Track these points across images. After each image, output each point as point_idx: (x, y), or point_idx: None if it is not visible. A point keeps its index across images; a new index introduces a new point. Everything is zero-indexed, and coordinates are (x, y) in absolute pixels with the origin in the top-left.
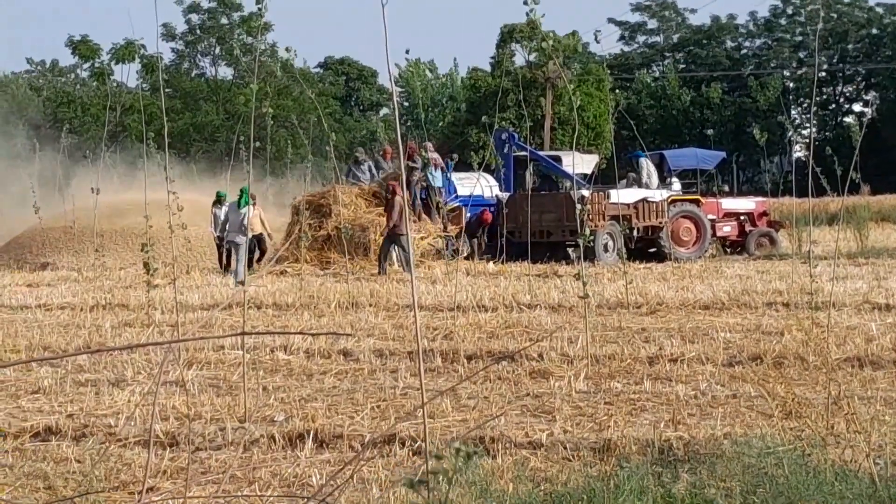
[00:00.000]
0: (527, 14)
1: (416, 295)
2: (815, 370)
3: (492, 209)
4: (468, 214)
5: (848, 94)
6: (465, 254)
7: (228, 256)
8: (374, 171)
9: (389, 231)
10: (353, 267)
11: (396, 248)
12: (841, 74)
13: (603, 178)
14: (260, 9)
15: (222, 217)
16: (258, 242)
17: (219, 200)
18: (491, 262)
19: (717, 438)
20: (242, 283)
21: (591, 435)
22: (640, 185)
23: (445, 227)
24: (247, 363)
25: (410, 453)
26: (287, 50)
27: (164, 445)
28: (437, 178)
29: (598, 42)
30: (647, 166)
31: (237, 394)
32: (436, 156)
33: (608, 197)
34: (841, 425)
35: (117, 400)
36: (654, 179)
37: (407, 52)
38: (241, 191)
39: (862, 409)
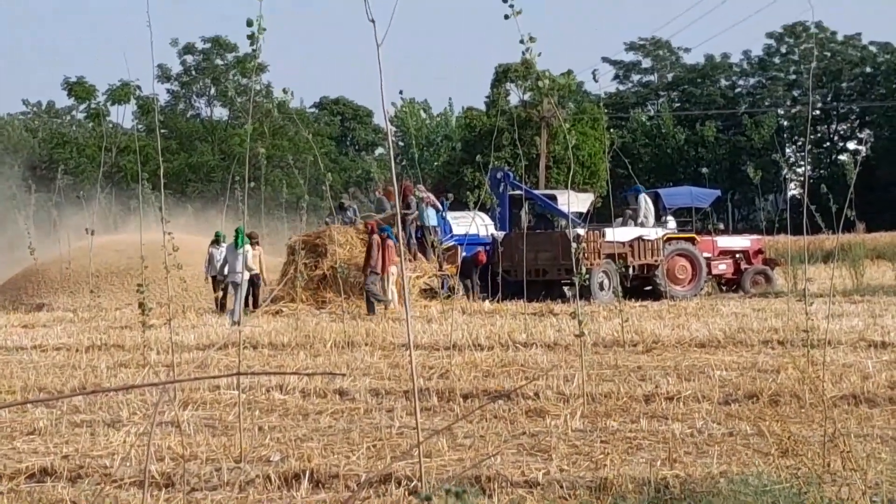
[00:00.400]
0: (522, 53)
1: (411, 334)
2: (811, 408)
3: (487, 248)
4: (463, 254)
5: (842, 133)
6: (460, 294)
7: (226, 295)
8: (357, 214)
9: (372, 269)
10: (348, 306)
11: (380, 284)
12: (835, 113)
13: (598, 217)
14: (254, 50)
15: (218, 257)
16: (252, 284)
17: (217, 241)
18: (487, 301)
19: (714, 477)
20: (238, 323)
21: (588, 473)
22: (636, 221)
23: (441, 266)
24: (242, 403)
25: (406, 493)
26: (284, 91)
27: (159, 486)
28: (431, 217)
29: (595, 81)
30: (646, 203)
31: (233, 434)
32: (428, 195)
33: (604, 235)
34: (837, 463)
35: (113, 441)
36: (651, 217)
37: (401, 92)
38: (237, 231)
39: (858, 446)
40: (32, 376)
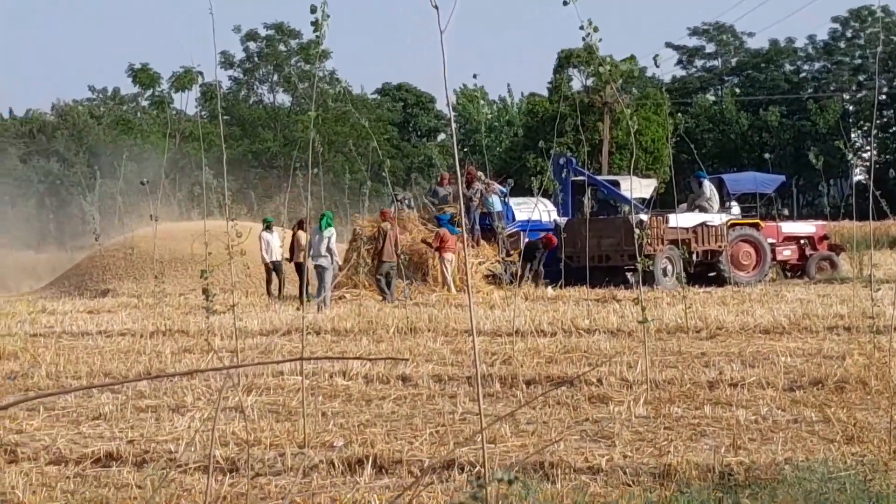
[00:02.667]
0: (583, 39)
1: (474, 320)
2: (877, 394)
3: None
4: (527, 239)
5: None
6: (528, 278)
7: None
8: (413, 203)
9: (382, 259)
10: (411, 292)
11: (388, 274)
12: None
13: (662, 203)
14: (318, 36)
15: (273, 242)
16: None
17: (268, 226)
18: (550, 287)
19: (778, 464)
20: (323, 306)
21: (651, 460)
22: (700, 208)
23: (508, 253)
24: (306, 389)
25: (469, 478)
26: (338, 80)
27: (223, 471)
28: (495, 204)
29: (657, 66)
30: (710, 188)
31: (296, 419)
32: (490, 182)
33: (667, 221)
34: None
35: (177, 426)
36: (716, 202)
37: (475, 76)
38: (323, 214)
39: None
40: (98, 362)
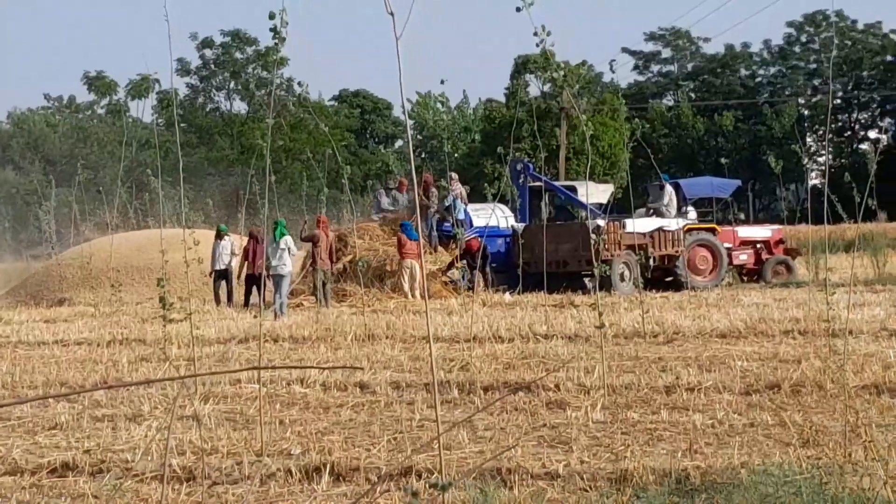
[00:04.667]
0: (537, 45)
1: (431, 326)
2: (833, 398)
3: (508, 239)
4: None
5: (863, 121)
6: (464, 281)
7: (249, 290)
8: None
9: (315, 266)
10: (369, 299)
11: (323, 281)
12: (856, 101)
13: (619, 208)
14: (276, 44)
15: (221, 251)
16: (226, 278)
17: (219, 235)
18: (507, 293)
19: (735, 468)
20: (277, 315)
21: (608, 465)
22: (656, 212)
23: (466, 258)
24: (263, 397)
25: (427, 486)
26: (299, 84)
27: (180, 480)
28: (461, 211)
29: (613, 72)
30: (671, 193)
31: (254, 427)
32: (460, 187)
33: (624, 226)
34: (859, 453)
35: (134, 435)
36: (673, 207)
37: (442, 81)
38: (276, 223)
39: (880, 436)
40: (54, 371)
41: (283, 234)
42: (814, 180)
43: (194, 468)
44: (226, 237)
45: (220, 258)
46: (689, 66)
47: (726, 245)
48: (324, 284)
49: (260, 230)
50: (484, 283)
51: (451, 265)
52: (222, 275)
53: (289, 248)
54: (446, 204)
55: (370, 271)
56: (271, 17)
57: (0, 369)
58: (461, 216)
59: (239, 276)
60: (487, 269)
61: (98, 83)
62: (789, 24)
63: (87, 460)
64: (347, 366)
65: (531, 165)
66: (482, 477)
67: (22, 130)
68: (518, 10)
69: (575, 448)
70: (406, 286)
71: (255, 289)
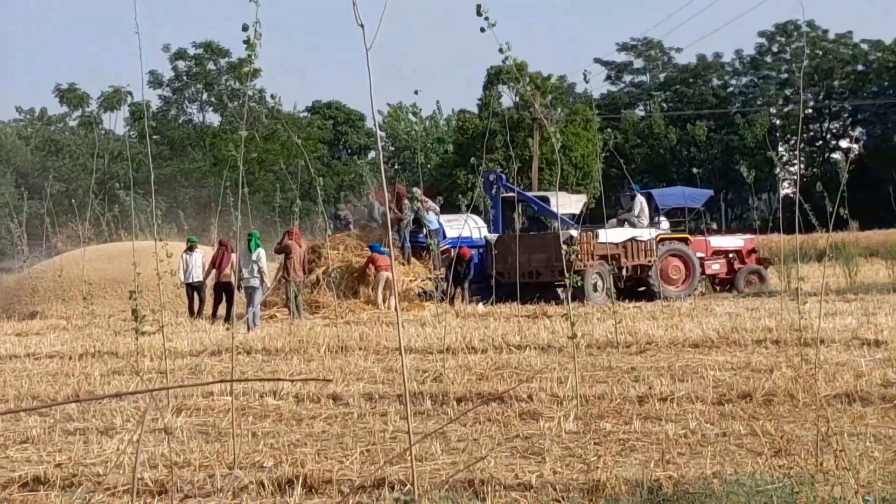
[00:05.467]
0: (502, 62)
1: (403, 338)
2: (805, 407)
3: (481, 249)
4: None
5: (834, 131)
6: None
7: (218, 302)
8: (352, 220)
9: (287, 277)
10: (342, 311)
11: (295, 293)
12: (827, 111)
13: (592, 218)
14: (250, 56)
15: (191, 264)
16: (198, 290)
17: (190, 247)
18: (480, 304)
19: (707, 477)
20: (249, 327)
21: (581, 476)
22: (628, 223)
23: (434, 269)
24: (235, 409)
25: (394, 500)
26: (272, 97)
27: (152, 493)
28: (432, 222)
29: (587, 82)
30: (642, 203)
31: (226, 440)
32: (427, 200)
33: (597, 236)
34: (830, 462)
35: (106, 448)
36: (645, 217)
37: (416, 92)
38: (250, 235)
39: (851, 445)
40: (26, 384)
41: (257, 246)
42: (786, 190)
43: (166, 481)
44: (197, 249)
45: (192, 271)
46: (662, 77)
47: (699, 255)
48: (296, 296)
49: (229, 240)
50: (461, 297)
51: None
52: (195, 287)
53: (259, 261)
54: (412, 216)
55: (343, 282)
56: (245, 28)
57: None
58: (433, 226)
59: (205, 283)
60: (466, 284)
61: (70, 95)
62: (761, 34)
63: (59, 474)
64: (317, 378)
65: (504, 176)
66: (455, 488)
67: None
68: (482, 30)
69: (548, 458)
70: (380, 298)
71: (224, 298)
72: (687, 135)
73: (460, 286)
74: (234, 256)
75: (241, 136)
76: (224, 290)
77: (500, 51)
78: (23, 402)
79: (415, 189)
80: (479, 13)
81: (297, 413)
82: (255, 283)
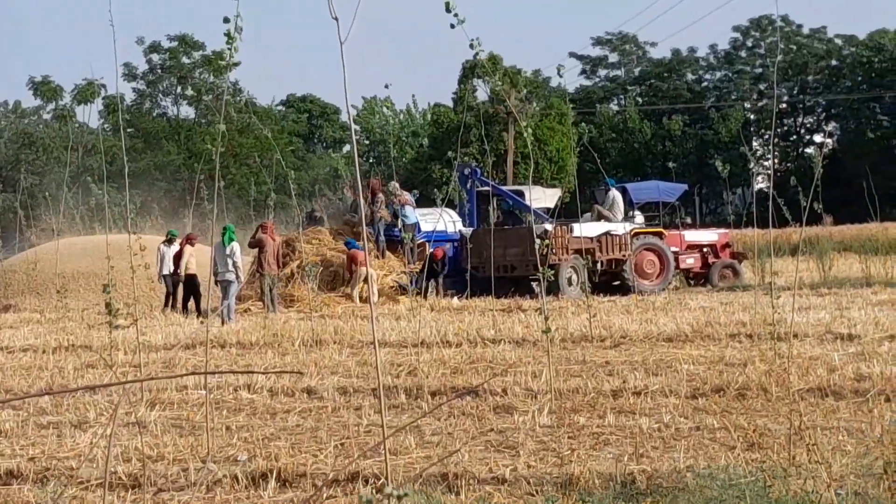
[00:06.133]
0: (473, 56)
1: (377, 332)
2: (778, 401)
3: (455, 243)
4: (430, 250)
5: (809, 126)
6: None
7: (187, 295)
8: (325, 217)
9: (262, 271)
10: (316, 305)
11: (269, 286)
12: (801, 106)
13: (566, 212)
14: (230, 49)
15: (169, 256)
16: (192, 284)
17: (169, 240)
18: (455, 298)
19: (680, 471)
20: (224, 321)
21: (555, 469)
22: (603, 217)
23: (412, 263)
24: (209, 402)
25: (374, 491)
26: (241, 91)
27: (126, 487)
28: (409, 217)
29: (561, 76)
30: (614, 197)
31: (200, 434)
32: (403, 193)
33: (571, 230)
34: (803, 456)
35: (79, 442)
36: (619, 211)
37: (387, 86)
38: (225, 228)
39: (823, 439)
40: None
41: (231, 240)
42: (760, 184)
43: (140, 475)
44: (175, 242)
45: (169, 263)
46: (636, 71)
47: (673, 249)
48: (270, 290)
49: (196, 235)
50: (436, 291)
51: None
52: (172, 279)
53: (233, 255)
54: (390, 210)
55: (318, 276)
56: (226, 21)
57: None
58: (410, 221)
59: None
60: (440, 279)
61: (43, 88)
62: (735, 29)
63: (32, 468)
64: (288, 370)
65: (479, 170)
66: (428, 482)
67: None
68: (452, 26)
69: (522, 452)
70: (356, 292)
71: (190, 292)
72: (662, 129)
73: (434, 280)
74: (190, 249)
75: (218, 129)
76: (189, 284)
77: (471, 46)
78: None
79: (392, 183)
80: (448, 10)
81: (272, 407)
82: (231, 276)
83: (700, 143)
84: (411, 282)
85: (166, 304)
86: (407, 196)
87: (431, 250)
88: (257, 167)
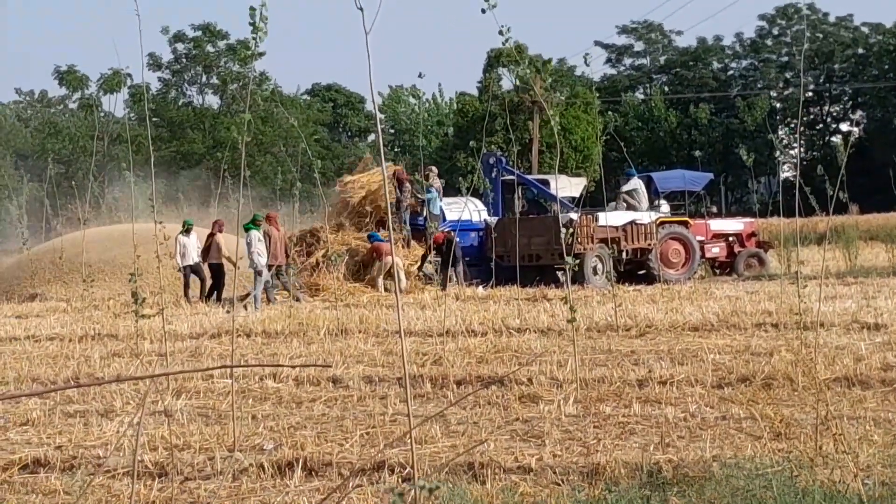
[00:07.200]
0: (502, 44)
1: (402, 321)
2: (804, 391)
3: (481, 232)
4: (457, 240)
5: (835, 114)
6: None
7: (216, 283)
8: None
9: (272, 261)
10: (342, 294)
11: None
12: (828, 94)
13: (592, 201)
14: (255, 39)
15: (189, 246)
16: (196, 272)
17: (186, 229)
18: (480, 287)
19: (707, 461)
20: (255, 309)
21: (580, 459)
22: (626, 203)
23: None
24: (235, 392)
25: (400, 480)
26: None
27: (152, 476)
28: (436, 206)
29: (587, 65)
30: (636, 184)
31: (226, 423)
32: (437, 180)
33: (596, 220)
34: (829, 446)
35: (106, 431)
36: (644, 200)
37: (421, 75)
38: (254, 216)
39: (850, 429)
40: (26, 367)
41: (248, 229)
42: (786, 173)
43: (166, 464)
44: (193, 232)
45: (189, 253)
46: (662, 60)
47: (699, 238)
48: (282, 280)
49: (223, 221)
50: (453, 280)
51: (423, 259)
52: (193, 269)
53: (250, 244)
54: (428, 197)
55: (344, 266)
56: (252, 11)
57: None
58: (437, 211)
59: (203, 263)
60: (459, 267)
61: (69, 77)
62: (761, 17)
63: (59, 456)
64: (317, 363)
65: (504, 159)
66: (454, 471)
67: None
68: (483, 11)
69: (547, 442)
70: (380, 280)
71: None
72: (688, 118)
73: (452, 270)
74: (220, 238)
75: (242, 118)
76: (215, 272)
77: (500, 33)
78: (23, 384)
79: (432, 168)
80: None
81: (297, 396)
82: (260, 264)
83: (726, 131)
84: (436, 271)
85: (188, 293)
86: (437, 180)
87: (433, 235)
88: (282, 156)
